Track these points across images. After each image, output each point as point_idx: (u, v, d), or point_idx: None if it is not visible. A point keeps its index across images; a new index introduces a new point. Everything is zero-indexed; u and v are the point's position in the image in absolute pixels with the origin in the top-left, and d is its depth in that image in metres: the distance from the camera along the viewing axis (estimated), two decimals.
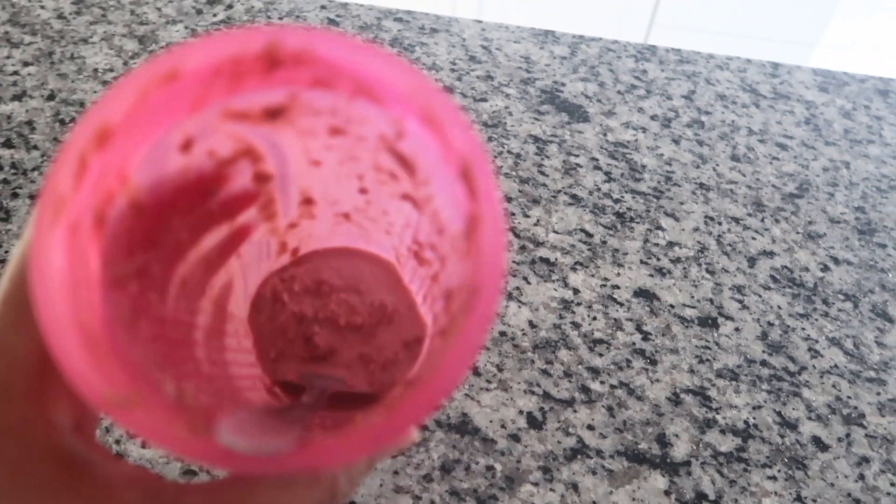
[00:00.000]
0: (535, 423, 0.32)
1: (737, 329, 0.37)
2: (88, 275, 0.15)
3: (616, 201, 0.43)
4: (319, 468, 0.14)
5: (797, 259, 0.41)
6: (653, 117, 0.50)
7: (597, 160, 0.46)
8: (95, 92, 0.48)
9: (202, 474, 0.29)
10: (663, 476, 0.30)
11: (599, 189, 0.44)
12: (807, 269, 0.40)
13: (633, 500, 0.29)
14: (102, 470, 0.15)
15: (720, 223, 0.43)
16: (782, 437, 0.32)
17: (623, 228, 0.41)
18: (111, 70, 0.50)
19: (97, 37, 0.53)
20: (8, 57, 0.50)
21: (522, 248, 0.40)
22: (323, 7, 0.58)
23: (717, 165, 0.47)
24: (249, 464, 0.14)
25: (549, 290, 0.37)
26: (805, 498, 0.30)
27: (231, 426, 0.15)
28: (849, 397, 0.34)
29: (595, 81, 0.53)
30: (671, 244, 0.41)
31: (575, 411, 0.32)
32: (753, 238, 0.42)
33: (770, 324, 0.37)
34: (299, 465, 0.14)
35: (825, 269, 0.40)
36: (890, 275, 0.40)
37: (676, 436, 0.32)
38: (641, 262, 0.40)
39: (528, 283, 0.38)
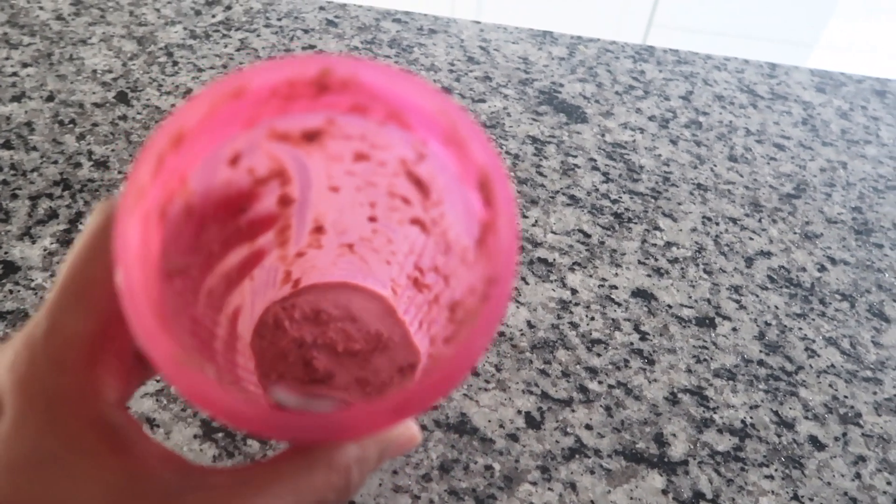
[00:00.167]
0: (533, 422, 0.32)
1: (734, 329, 0.37)
2: (151, 260, 0.16)
3: (614, 202, 0.43)
4: (360, 431, 0.15)
5: (794, 259, 0.41)
6: (651, 118, 0.50)
7: (595, 161, 0.46)
8: (94, 93, 0.48)
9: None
10: (661, 475, 0.30)
11: (597, 190, 0.44)
12: (804, 270, 0.40)
13: (631, 499, 0.29)
14: (140, 445, 0.17)
15: (718, 223, 0.43)
16: (779, 436, 0.32)
17: (621, 229, 0.42)
18: (110, 71, 0.50)
19: (96, 38, 0.53)
20: (7, 58, 0.50)
21: (520, 248, 0.40)
22: (321, 8, 0.58)
23: (715, 166, 0.47)
24: (299, 423, 0.15)
25: (548, 291, 0.37)
26: (802, 497, 0.30)
27: (283, 387, 0.15)
28: (845, 397, 0.34)
29: (593, 82, 0.53)
30: (669, 244, 0.41)
31: (573, 411, 0.32)
32: (751, 238, 0.42)
33: (767, 324, 0.37)
34: (343, 425, 0.15)
35: (822, 269, 0.41)
36: (887, 275, 0.41)
37: (674, 435, 0.32)
38: (639, 262, 0.40)
39: (527, 283, 0.38)
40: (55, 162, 0.42)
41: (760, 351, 0.36)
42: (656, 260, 0.40)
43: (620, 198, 0.44)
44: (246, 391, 0.21)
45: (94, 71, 0.50)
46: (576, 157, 0.46)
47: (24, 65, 0.50)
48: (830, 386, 0.35)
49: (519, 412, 0.32)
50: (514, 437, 0.31)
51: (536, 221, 0.41)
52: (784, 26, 1.51)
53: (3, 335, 0.33)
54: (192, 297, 0.20)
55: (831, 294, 0.39)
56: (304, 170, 0.22)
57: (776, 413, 0.33)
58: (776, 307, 0.38)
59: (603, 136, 0.48)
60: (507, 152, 0.46)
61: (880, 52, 1.92)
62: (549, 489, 0.29)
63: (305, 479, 0.17)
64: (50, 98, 0.47)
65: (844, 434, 0.33)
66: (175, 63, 0.51)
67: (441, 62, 0.53)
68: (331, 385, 0.26)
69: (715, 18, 1.53)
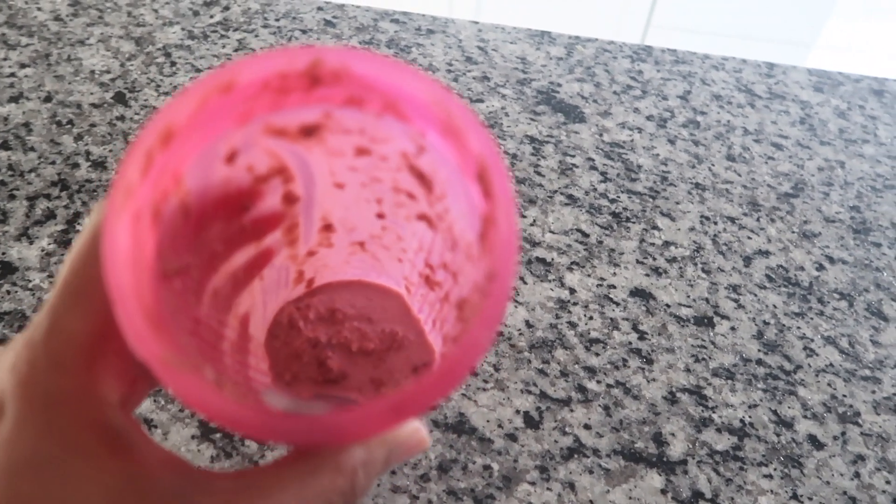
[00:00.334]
0: (531, 422, 0.32)
1: (732, 328, 0.37)
2: (144, 261, 0.16)
3: (612, 201, 0.43)
4: (359, 433, 0.15)
5: (792, 258, 0.41)
6: (648, 118, 0.50)
7: (593, 160, 0.46)
8: (92, 93, 0.48)
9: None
10: (660, 475, 0.30)
11: (595, 189, 0.44)
12: (802, 269, 0.40)
13: (630, 498, 0.29)
14: (141, 448, 0.16)
15: (716, 223, 0.43)
16: (778, 435, 0.32)
17: (619, 228, 0.42)
18: (108, 72, 0.50)
19: (94, 38, 0.53)
20: (5, 59, 0.50)
21: (520, 246, 0.40)
22: (319, 8, 0.58)
23: (713, 165, 0.47)
24: (292, 426, 0.15)
25: (546, 290, 0.37)
26: (801, 496, 0.30)
27: (277, 391, 0.15)
28: (844, 396, 0.34)
29: (591, 82, 0.53)
30: (667, 244, 0.41)
31: (571, 411, 0.32)
32: (749, 237, 0.42)
33: (766, 323, 0.37)
34: (338, 427, 0.15)
35: (820, 268, 0.41)
36: (885, 273, 0.41)
37: (673, 435, 0.32)
38: (637, 261, 0.40)
39: (525, 283, 0.38)
40: (53, 162, 0.42)
41: (759, 350, 0.36)
42: (654, 259, 0.40)
43: (618, 197, 0.44)
44: (251, 393, 0.21)
45: (92, 71, 0.50)
46: (574, 156, 0.46)
47: (22, 65, 0.50)
48: (829, 385, 0.35)
49: (517, 412, 0.32)
50: (512, 437, 0.31)
51: (534, 221, 0.41)
52: (782, 26, 1.51)
53: (1, 336, 0.33)
54: (194, 298, 0.20)
55: (830, 293, 0.39)
56: (306, 166, 0.21)
57: (775, 412, 0.33)
58: (774, 306, 0.38)
59: (601, 135, 0.48)
60: (506, 152, 0.46)
61: (878, 51, 1.92)
62: (548, 489, 0.29)
63: (311, 483, 0.17)
64: (48, 98, 0.47)
65: (843, 433, 0.33)
66: (173, 63, 0.51)
67: (439, 62, 0.53)
68: (345, 385, 0.26)
69: (713, 18, 1.53)
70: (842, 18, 2.03)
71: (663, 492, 0.30)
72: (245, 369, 0.23)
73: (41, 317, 0.17)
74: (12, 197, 0.40)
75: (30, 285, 0.35)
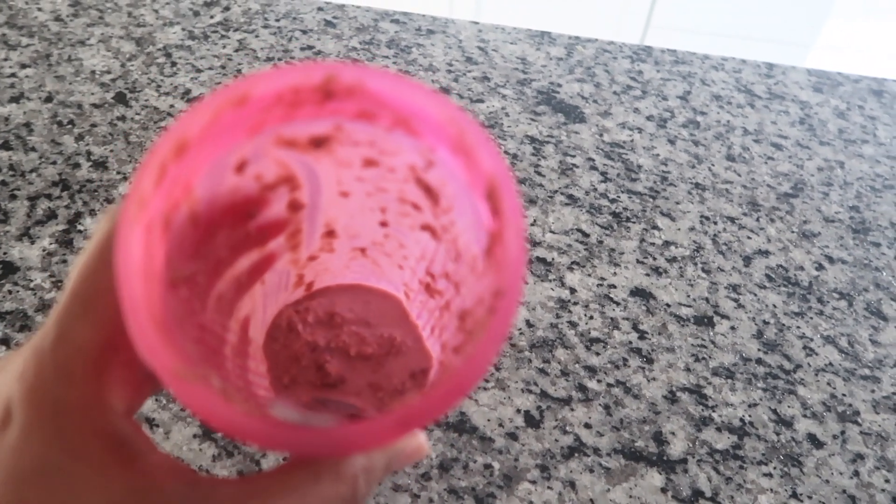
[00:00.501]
0: (532, 421, 0.32)
1: (732, 328, 0.37)
2: (154, 270, 0.16)
3: (612, 201, 0.43)
4: (364, 445, 0.15)
5: (792, 258, 0.41)
6: (648, 118, 0.50)
7: (593, 160, 0.46)
8: (93, 94, 0.48)
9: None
10: (660, 474, 0.30)
11: (596, 189, 0.44)
12: (802, 268, 0.41)
13: (630, 497, 0.30)
14: (147, 457, 0.16)
15: (716, 223, 0.43)
16: (778, 434, 0.32)
17: (619, 228, 0.42)
18: (108, 72, 0.50)
19: (94, 39, 0.53)
20: (5, 59, 0.50)
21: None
22: (320, 9, 0.59)
23: (713, 165, 0.47)
24: (299, 438, 0.15)
25: (546, 290, 0.38)
26: (800, 494, 0.30)
27: (284, 403, 0.16)
28: (843, 395, 0.34)
29: (591, 82, 0.53)
30: (667, 244, 0.41)
31: (572, 410, 0.32)
32: (749, 237, 0.42)
33: (765, 322, 0.37)
34: (345, 439, 0.15)
35: (820, 267, 0.41)
36: (884, 273, 0.41)
37: (673, 434, 0.32)
38: (638, 261, 0.40)
39: (526, 282, 0.38)
40: (54, 162, 0.42)
41: (759, 349, 0.36)
42: (654, 259, 0.40)
43: (619, 197, 0.44)
44: (254, 399, 0.21)
45: (93, 72, 0.50)
46: (574, 156, 0.46)
47: (23, 66, 0.50)
48: (829, 384, 0.35)
49: (518, 411, 0.32)
50: (513, 436, 0.31)
51: (535, 221, 0.42)
52: (781, 26, 1.51)
53: (2, 336, 0.33)
54: (199, 304, 0.20)
55: (829, 293, 0.39)
56: (314, 175, 0.22)
57: (775, 411, 0.33)
58: (774, 306, 0.38)
59: (601, 135, 0.48)
60: (506, 152, 0.46)
61: (877, 51, 1.92)
62: (549, 488, 0.30)
63: (312, 490, 0.17)
64: (49, 99, 0.47)
65: (843, 432, 0.33)
66: (174, 64, 0.51)
67: (439, 62, 0.53)
68: (343, 390, 0.26)
69: (712, 19, 1.53)
70: (841, 18, 2.03)
71: (663, 490, 0.30)
72: (245, 373, 0.23)
73: (49, 324, 0.17)
74: (13, 197, 0.40)
75: (31, 285, 0.35)
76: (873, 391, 0.35)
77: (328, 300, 0.28)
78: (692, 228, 0.42)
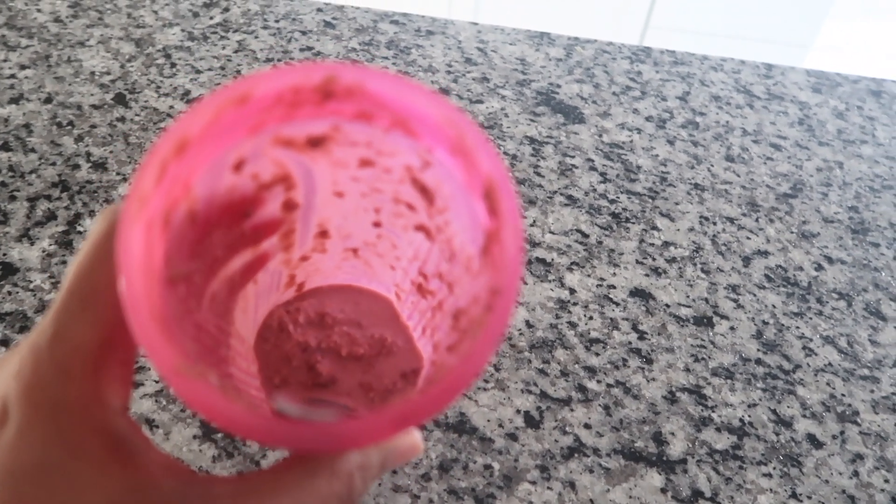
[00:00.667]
0: (532, 422, 0.32)
1: (732, 328, 0.37)
2: (154, 268, 0.16)
3: (612, 202, 0.43)
4: (362, 441, 0.15)
5: (791, 258, 0.41)
6: (648, 118, 0.50)
7: (592, 161, 0.46)
8: (93, 95, 0.48)
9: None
10: (660, 474, 0.30)
11: (595, 190, 0.44)
12: (801, 269, 0.41)
13: (630, 497, 0.30)
14: (144, 454, 0.17)
15: (715, 223, 0.43)
16: (777, 434, 0.32)
17: (619, 229, 0.42)
18: (108, 73, 0.50)
19: (94, 40, 0.53)
20: (5, 60, 0.50)
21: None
22: (319, 10, 0.59)
23: (712, 166, 0.47)
24: (299, 433, 0.15)
25: (546, 291, 0.38)
26: (800, 495, 0.30)
27: (285, 396, 0.16)
28: (843, 395, 0.34)
29: (590, 83, 0.53)
30: (666, 244, 0.41)
31: (572, 410, 0.32)
32: (748, 238, 0.42)
33: (765, 322, 0.37)
34: (346, 435, 0.15)
35: (819, 268, 0.41)
36: (883, 273, 0.41)
37: (672, 434, 0.32)
38: (637, 262, 0.40)
39: (525, 283, 0.38)
40: (53, 164, 0.42)
41: (758, 350, 0.36)
42: (654, 259, 0.40)
43: (618, 198, 0.44)
44: (248, 397, 0.21)
45: (93, 73, 0.50)
46: (573, 157, 0.46)
47: (23, 67, 0.50)
48: (828, 384, 0.35)
49: (518, 411, 0.32)
50: (513, 437, 0.31)
51: (534, 221, 0.42)
52: (780, 27, 1.51)
53: (1, 337, 0.33)
54: (195, 303, 0.20)
55: (828, 293, 0.39)
56: (310, 175, 0.22)
57: (774, 411, 0.33)
58: (773, 306, 0.38)
59: (600, 136, 0.48)
60: (505, 153, 0.46)
61: (876, 52, 1.92)
62: (549, 488, 0.30)
63: (309, 487, 0.17)
64: (48, 100, 0.47)
65: (842, 432, 0.33)
66: (173, 65, 0.51)
67: (439, 63, 0.54)
68: (334, 390, 0.26)
69: (711, 19, 1.53)
70: (839, 19, 2.04)
71: (663, 491, 0.30)
72: (239, 373, 0.23)
73: (46, 322, 0.17)
74: (13, 198, 0.40)
75: (31, 286, 0.35)
76: (872, 391, 0.35)
77: (319, 301, 0.28)
78: (691, 229, 0.42)
